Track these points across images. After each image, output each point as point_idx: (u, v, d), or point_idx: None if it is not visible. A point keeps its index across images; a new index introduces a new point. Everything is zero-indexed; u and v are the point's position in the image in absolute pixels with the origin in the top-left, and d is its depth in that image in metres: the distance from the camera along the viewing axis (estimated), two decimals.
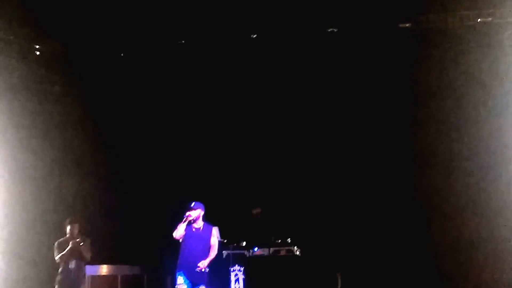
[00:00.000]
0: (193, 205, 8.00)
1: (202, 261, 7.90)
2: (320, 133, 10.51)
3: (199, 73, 10.36)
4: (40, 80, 10.41)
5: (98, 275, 9.93)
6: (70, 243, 8.77)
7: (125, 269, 10.08)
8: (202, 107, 10.68)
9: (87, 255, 8.87)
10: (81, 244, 8.76)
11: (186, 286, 7.83)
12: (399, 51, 9.73)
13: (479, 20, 9.35)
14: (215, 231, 8.20)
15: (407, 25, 9.62)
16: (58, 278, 8.86)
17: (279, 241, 9.73)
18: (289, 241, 9.73)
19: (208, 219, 8.36)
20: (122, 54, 10.29)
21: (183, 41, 10.12)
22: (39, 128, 10.36)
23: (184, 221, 7.87)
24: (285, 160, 10.63)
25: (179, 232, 7.88)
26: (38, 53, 10.19)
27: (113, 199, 10.69)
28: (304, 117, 10.54)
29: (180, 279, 7.86)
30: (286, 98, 10.50)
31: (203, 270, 7.89)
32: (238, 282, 9.55)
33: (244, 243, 9.74)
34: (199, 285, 7.92)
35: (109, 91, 10.63)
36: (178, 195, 9.59)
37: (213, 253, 8.07)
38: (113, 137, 10.79)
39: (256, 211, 9.69)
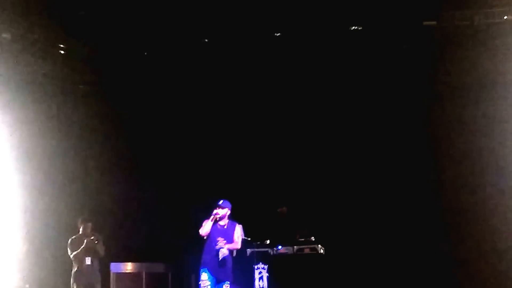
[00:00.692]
0: (222, 203, 8.06)
1: (225, 245, 7.88)
2: (345, 131, 10.50)
3: (223, 71, 10.37)
4: (64, 79, 10.48)
5: (123, 272, 10.02)
6: (85, 241, 8.92)
7: (150, 267, 10.16)
8: (227, 104, 10.70)
9: (102, 251, 9.06)
10: (96, 241, 8.94)
11: (210, 283, 7.88)
12: (423, 50, 9.68)
13: (505, 17, 9.26)
14: (238, 228, 8.25)
15: (432, 22, 9.54)
16: (74, 274, 9.01)
17: (303, 239, 9.75)
18: (313, 240, 9.74)
19: (233, 217, 8.40)
20: (145, 53, 10.32)
21: (206, 40, 10.13)
22: (63, 128, 10.43)
23: (212, 220, 7.93)
24: (310, 159, 10.63)
25: (205, 229, 7.94)
26: (62, 52, 10.24)
27: (138, 197, 10.76)
28: (330, 116, 10.54)
29: (204, 276, 7.92)
30: (310, 96, 10.50)
31: (219, 246, 7.83)
32: (262, 280, 9.59)
33: (268, 241, 9.77)
34: (224, 282, 7.97)
35: (133, 90, 10.69)
36: (203, 193, 9.64)
37: (235, 245, 8.10)
38: (138, 135, 10.85)
39: (282, 210, 9.72)
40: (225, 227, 8.11)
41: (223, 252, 7.93)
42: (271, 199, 10.21)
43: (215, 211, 7.98)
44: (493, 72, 9.53)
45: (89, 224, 9.16)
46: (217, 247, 7.92)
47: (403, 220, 9.96)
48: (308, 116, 10.62)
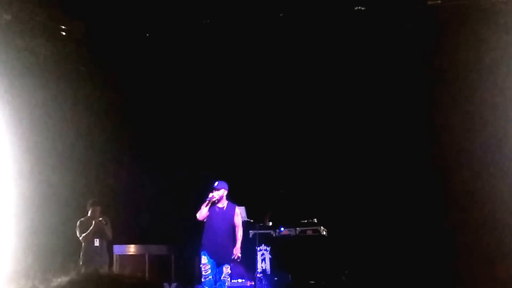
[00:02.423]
0: (217, 185, 8.06)
1: (236, 249, 7.98)
2: (348, 111, 10.49)
3: (225, 53, 10.34)
4: (65, 60, 10.46)
5: (126, 254, 10.10)
6: (94, 222, 9.02)
7: (153, 249, 10.25)
8: (228, 86, 10.69)
9: (110, 234, 9.17)
10: (104, 223, 9.04)
11: (210, 266, 7.92)
12: (427, 29, 9.60)
13: None
14: (238, 210, 8.28)
15: (437, 1, 9.45)
16: (83, 256, 9.11)
17: (306, 221, 9.78)
18: (316, 221, 9.77)
19: (235, 199, 8.42)
20: (147, 34, 10.29)
21: (208, 21, 10.09)
22: (64, 110, 10.45)
23: (207, 204, 7.92)
24: (313, 140, 10.63)
25: (202, 213, 7.98)
26: (63, 33, 10.22)
27: (141, 179, 10.81)
28: (332, 95, 10.51)
29: (204, 259, 7.98)
30: (312, 77, 10.47)
31: (238, 256, 7.99)
32: (265, 262, 9.64)
33: (270, 223, 9.81)
34: (224, 264, 8.02)
35: (135, 71, 10.69)
36: (206, 175, 9.67)
37: (240, 233, 8.14)
38: (139, 117, 10.87)
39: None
40: (224, 209, 8.12)
41: (238, 253, 8.04)
42: (274, 181, 10.22)
43: (210, 195, 7.98)
44: (498, 51, 9.43)
45: (98, 208, 9.30)
46: (234, 257, 8.01)
47: (406, 201, 9.95)
48: (311, 96, 10.61)
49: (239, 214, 8.26)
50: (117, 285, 0.73)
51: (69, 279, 0.72)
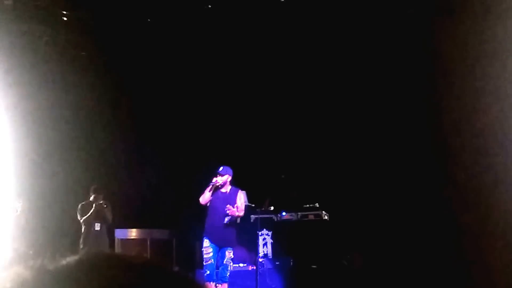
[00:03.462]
0: (221, 170, 8.06)
1: (229, 207, 7.92)
2: (349, 95, 10.51)
3: (227, 37, 10.34)
4: (67, 45, 10.48)
5: (128, 239, 10.18)
6: (94, 205, 9.10)
7: (154, 233, 10.32)
8: (230, 71, 10.70)
9: (110, 217, 9.24)
10: (105, 206, 9.11)
11: (212, 249, 7.93)
12: (429, 14, 9.58)
13: None
14: (241, 194, 8.26)
15: None
16: (83, 239, 9.20)
17: (307, 205, 9.81)
18: (317, 206, 9.80)
19: (238, 183, 8.45)
20: (148, 20, 10.29)
21: (209, 6, 10.08)
22: (65, 94, 10.48)
23: (211, 189, 7.93)
24: (314, 123, 10.66)
25: (205, 198, 7.99)
26: (65, 18, 10.23)
27: (143, 163, 10.85)
28: (333, 79, 10.53)
29: (206, 242, 8.00)
30: (312, 61, 10.48)
31: (228, 211, 7.89)
32: (266, 246, 9.71)
33: (272, 208, 9.83)
34: (225, 248, 8.02)
35: (136, 57, 10.70)
36: (208, 159, 9.72)
37: (240, 212, 8.13)
38: (141, 102, 10.90)
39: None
40: (227, 193, 8.13)
41: (230, 209, 7.93)
42: (275, 165, 10.25)
43: (214, 179, 7.99)
44: (501, 37, 9.41)
45: (101, 195, 9.33)
46: (226, 210, 7.94)
47: (408, 186, 9.99)
48: (311, 80, 10.62)
49: (242, 199, 8.26)
50: (125, 264, 0.77)
51: (78, 259, 0.77)
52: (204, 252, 7.99)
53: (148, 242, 10.19)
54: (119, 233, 10.18)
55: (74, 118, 10.57)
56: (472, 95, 9.55)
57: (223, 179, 8.02)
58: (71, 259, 0.80)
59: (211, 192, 7.96)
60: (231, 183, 8.22)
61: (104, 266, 0.76)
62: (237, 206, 8.11)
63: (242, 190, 8.44)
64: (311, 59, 10.58)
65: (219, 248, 8.00)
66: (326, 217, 9.81)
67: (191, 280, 0.79)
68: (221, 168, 8.09)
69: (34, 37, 10.06)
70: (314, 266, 9.33)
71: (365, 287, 5.51)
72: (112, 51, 10.60)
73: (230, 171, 8.16)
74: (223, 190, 8.09)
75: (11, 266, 0.79)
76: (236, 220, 8.27)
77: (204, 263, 7.96)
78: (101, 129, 10.79)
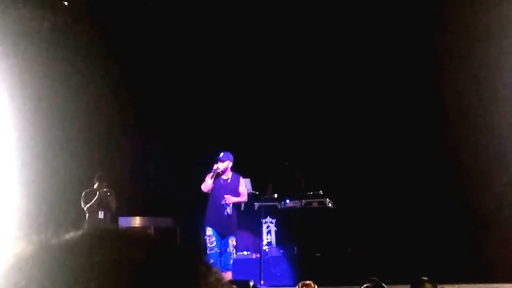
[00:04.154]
0: (222, 156, 8.04)
1: (228, 197, 7.92)
2: (352, 82, 10.47)
3: (231, 20, 10.28)
4: (68, 31, 10.44)
5: (131, 227, 10.16)
6: (98, 193, 9.10)
7: (158, 221, 10.32)
8: (234, 55, 10.65)
9: (113, 205, 9.24)
10: (108, 194, 9.11)
11: (215, 238, 7.94)
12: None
13: None
14: (243, 180, 8.26)
15: None
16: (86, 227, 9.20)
17: (311, 193, 9.79)
18: (321, 193, 9.79)
19: (241, 171, 8.44)
20: (149, 3, 10.26)
21: None
22: (67, 80, 10.45)
23: (212, 176, 7.92)
24: (318, 111, 10.64)
25: (207, 185, 7.99)
26: (65, 3, 10.19)
27: (147, 151, 10.85)
28: (337, 67, 10.49)
29: (209, 231, 8.00)
30: (316, 48, 10.44)
31: (225, 202, 7.89)
32: (270, 234, 9.70)
33: (275, 195, 9.84)
34: (228, 236, 8.02)
35: (138, 41, 10.66)
36: (211, 147, 9.70)
37: (241, 198, 8.12)
38: (143, 88, 10.87)
39: (287, 163, 9.74)
40: (229, 180, 8.11)
41: (229, 199, 7.94)
42: (279, 153, 10.23)
43: (215, 166, 7.98)
44: (505, 21, 9.35)
45: (105, 183, 9.33)
46: (222, 202, 7.95)
47: (412, 173, 9.97)
48: (315, 66, 10.58)
49: (244, 185, 8.25)
50: (129, 239, 0.75)
51: (81, 233, 0.74)
52: (208, 240, 7.99)
53: (152, 230, 10.18)
54: (123, 221, 10.18)
55: (77, 105, 10.54)
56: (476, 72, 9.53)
57: (224, 165, 8.01)
58: (74, 233, 0.78)
59: (213, 179, 7.96)
60: (233, 169, 8.19)
61: (108, 240, 0.74)
62: (240, 192, 8.09)
63: (246, 178, 8.44)
64: (314, 45, 10.54)
65: (222, 236, 8.00)
66: (330, 205, 9.79)
67: (196, 255, 0.76)
68: (221, 154, 8.07)
69: (34, 22, 10.02)
70: (318, 254, 9.33)
71: (369, 274, 5.49)
72: (114, 35, 10.56)
73: (231, 156, 8.14)
74: (224, 177, 8.07)
75: (14, 242, 0.77)
76: (240, 206, 8.28)
77: (208, 252, 7.97)
78: (104, 116, 10.76)
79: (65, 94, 10.36)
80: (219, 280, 0.75)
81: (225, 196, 7.96)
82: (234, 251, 8.34)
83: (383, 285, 4.83)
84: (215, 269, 0.76)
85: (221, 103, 10.93)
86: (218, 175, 8.02)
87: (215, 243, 7.92)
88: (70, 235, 0.78)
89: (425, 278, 4.88)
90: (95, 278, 0.69)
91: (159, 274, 0.70)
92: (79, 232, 0.78)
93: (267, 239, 9.68)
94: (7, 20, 9.47)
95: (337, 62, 10.55)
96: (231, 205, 8.05)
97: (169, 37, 10.67)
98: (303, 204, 9.69)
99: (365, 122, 10.51)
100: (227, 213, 7.95)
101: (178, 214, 10.47)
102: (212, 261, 7.86)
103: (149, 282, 0.70)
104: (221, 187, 8.01)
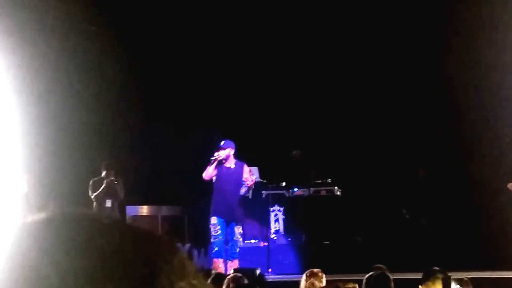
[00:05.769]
0: (223, 144, 8.02)
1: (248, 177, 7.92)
2: (360, 69, 10.46)
3: (240, 9, 10.27)
4: (76, 19, 10.47)
5: (139, 215, 10.25)
6: (105, 181, 9.15)
7: (166, 210, 10.38)
8: (242, 42, 10.65)
9: (121, 193, 9.29)
10: (115, 182, 9.15)
11: (220, 226, 7.96)
12: None
13: None
14: (247, 168, 8.22)
15: None
16: None
17: (320, 181, 9.80)
18: (330, 181, 9.78)
19: (248, 160, 8.45)
20: None
21: None
22: (74, 68, 10.49)
23: (212, 163, 7.91)
24: (326, 99, 10.63)
25: (208, 173, 8.00)
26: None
27: (154, 140, 10.88)
28: (343, 54, 10.47)
29: (214, 219, 8.03)
30: (323, 35, 10.42)
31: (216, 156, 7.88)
32: (278, 222, 9.74)
33: (283, 184, 9.84)
34: (233, 224, 8.04)
35: (145, 29, 10.69)
36: (220, 136, 9.72)
37: (250, 182, 8.09)
38: (152, 76, 10.90)
39: (295, 153, 9.74)
40: (232, 168, 8.09)
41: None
42: (287, 141, 10.23)
43: (216, 154, 7.96)
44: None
45: (112, 172, 9.38)
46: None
47: (421, 161, 9.97)
48: (325, 56, 10.56)
49: (247, 172, 8.19)
50: (94, 224, 0.78)
51: (45, 216, 0.77)
52: (212, 229, 8.02)
53: (160, 219, 10.26)
54: (130, 210, 10.25)
55: (83, 93, 10.59)
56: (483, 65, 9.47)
57: (225, 152, 7.99)
58: (40, 216, 0.80)
59: (214, 166, 7.94)
60: (236, 157, 8.16)
61: (71, 226, 0.76)
62: (245, 179, 8.08)
63: (254, 166, 8.44)
64: (328, 35, 10.52)
65: (227, 224, 8.02)
66: (338, 193, 9.80)
67: (167, 245, 0.78)
68: (222, 142, 8.06)
69: (42, 11, 10.06)
70: (327, 242, 9.36)
71: (377, 262, 5.52)
72: (121, 23, 10.58)
73: (232, 144, 8.13)
74: (227, 165, 8.05)
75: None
76: (247, 194, 8.28)
77: (212, 240, 8.00)
78: (111, 104, 10.80)
79: (71, 83, 10.41)
80: (184, 266, 0.76)
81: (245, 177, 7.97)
82: (241, 239, 8.37)
83: (387, 274, 4.85)
84: (182, 257, 0.77)
85: (230, 91, 10.94)
86: (220, 163, 8.00)
87: (219, 232, 7.95)
88: (36, 217, 0.80)
89: (437, 268, 4.89)
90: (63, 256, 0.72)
91: (116, 258, 0.73)
92: (45, 215, 0.80)
93: (275, 227, 9.71)
94: (13, 10, 9.52)
95: (349, 51, 10.54)
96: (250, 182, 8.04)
97: (176, 23, 10.67)
98: (311, 192, 9.69)
99: (374, 109, 10.49)
100: (243, 192, 7.95)
101: (185, 203, 10.52)
102: (216, 249, 7.92)
103: (106, 264, 0.72)
104: (224, 175, 8.01)
